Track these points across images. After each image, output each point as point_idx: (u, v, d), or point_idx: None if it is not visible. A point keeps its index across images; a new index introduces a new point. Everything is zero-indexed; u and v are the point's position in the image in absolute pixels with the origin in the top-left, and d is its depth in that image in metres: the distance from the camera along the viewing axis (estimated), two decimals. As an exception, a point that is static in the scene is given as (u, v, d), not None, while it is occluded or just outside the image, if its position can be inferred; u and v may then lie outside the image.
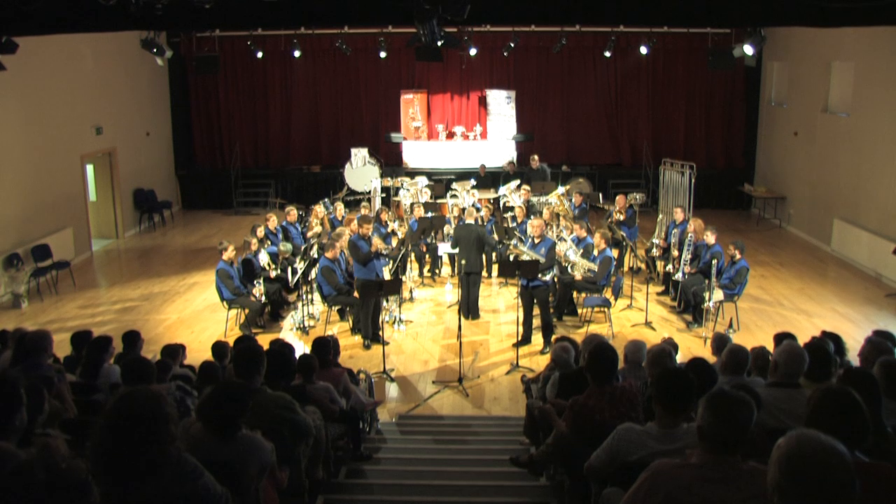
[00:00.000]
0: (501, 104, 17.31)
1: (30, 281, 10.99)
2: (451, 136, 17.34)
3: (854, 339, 7.63)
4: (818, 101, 13.77)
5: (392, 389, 7.98)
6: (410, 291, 10.79)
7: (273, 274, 9.96)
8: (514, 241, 9.53)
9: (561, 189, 12.23)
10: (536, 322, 9.03)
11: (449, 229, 11.18)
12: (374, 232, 9.26)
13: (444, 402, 7.68)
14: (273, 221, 10.83)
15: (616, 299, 9.49)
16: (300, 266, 9.61)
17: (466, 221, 10.05)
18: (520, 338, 8.73)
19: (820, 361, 4.09)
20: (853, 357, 5.38)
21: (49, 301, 10.94)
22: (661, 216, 12.85)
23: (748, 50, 10.10)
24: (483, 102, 17.49)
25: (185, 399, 4.73)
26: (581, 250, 9.66)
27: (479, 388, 8.01)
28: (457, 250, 9.83)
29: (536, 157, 15.20)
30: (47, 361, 5.14)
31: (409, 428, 7.05)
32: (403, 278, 10.47)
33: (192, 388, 5.05)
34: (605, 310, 9.49)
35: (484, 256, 10.51)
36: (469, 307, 9.76)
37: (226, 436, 3.21)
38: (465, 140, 17.16)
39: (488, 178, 15.28)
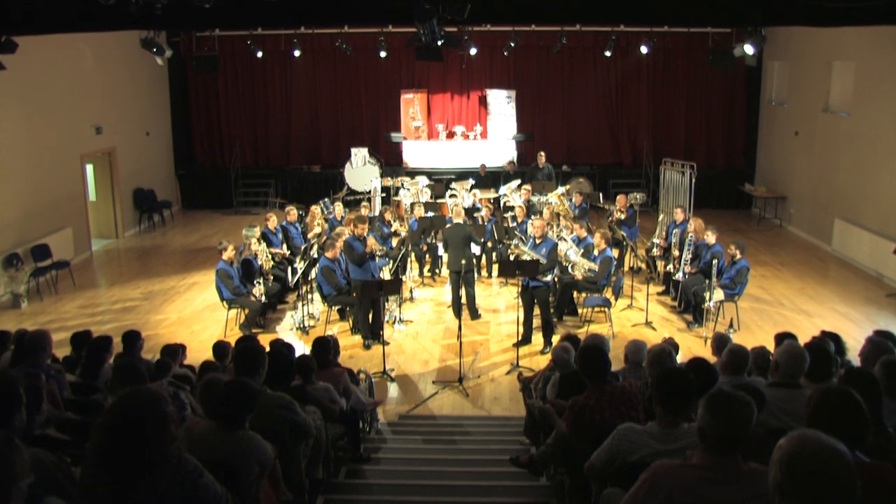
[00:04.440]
0: (501, 104, 17.31)
1: (29, 281, 10.98)
2: (451, 135, 17.33)
3: (855, 339, 7.63)
4: (818, 100, 13.75)
5: (392, 389, 7.98)
6: (410, 291, 10.78)
7: (270, 268, 9.90)
8: (515, 241, 9.52)
9: (561, 189, 12.22)
10: (537, 322, 9.03)
11: (450, 229, 11.15)
12: (370, 232, 9.23)
13: (444, 402, 7.67)
14: (273, 221, 10.82)
15: (616, 299, 9.49)
16: (300, 266, 9.60)
17: (455, 221, 9.97)
18: (520, 338, 8.73)
19: (821, 361, 4.09)
20: (854, 357, 5.38)
21: (49, 301, 10.93)
22: (661, 216, 12.84)
23: (748, 50, 10.10)
24: (483, 102, 17.48)
25: (178, 393, 4.74)
26: (581, 250, 9.66)
27: (479, 388, 8.00)
28: (444, 254, 9.77)
29: (543, 154, 15.09)
30: (47, 361, 5.14)
31: (409, 428, 7.04)
32: (403, 278, 10.46)
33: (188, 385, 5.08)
34: (606, 310, 9.49)
35: (476, 256, 10.45)
36: (468, 306, 9.75)
37: (231, 429, 3.29)
38: (465, 140, 17.15)
39: (488, 178, 15.27)
